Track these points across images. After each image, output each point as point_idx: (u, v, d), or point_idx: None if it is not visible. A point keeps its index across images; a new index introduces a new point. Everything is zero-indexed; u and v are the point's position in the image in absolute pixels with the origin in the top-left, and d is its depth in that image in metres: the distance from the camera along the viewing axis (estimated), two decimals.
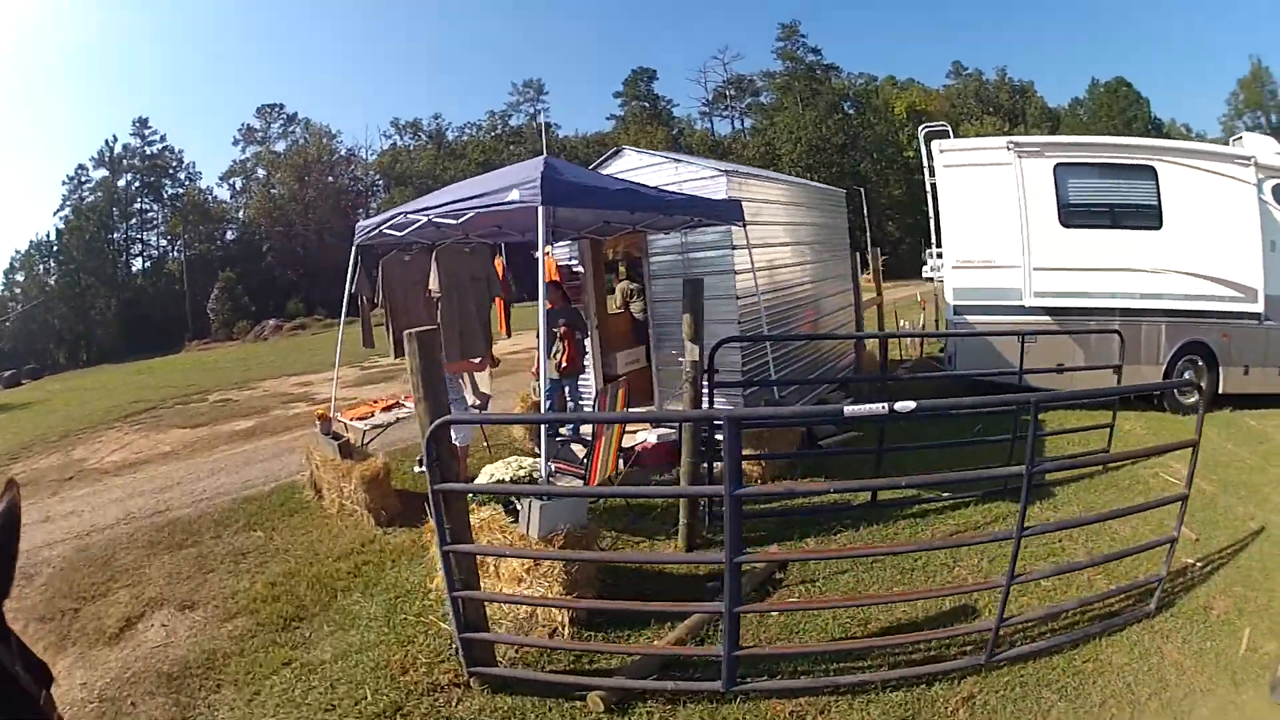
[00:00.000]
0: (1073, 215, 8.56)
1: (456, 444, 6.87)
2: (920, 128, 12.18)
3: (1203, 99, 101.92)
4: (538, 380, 9.16)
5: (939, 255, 11.26)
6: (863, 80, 69.91)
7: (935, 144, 10.02)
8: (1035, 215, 8.51)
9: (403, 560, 5.52)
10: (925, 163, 11.12)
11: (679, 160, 8.30)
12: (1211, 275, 8.19)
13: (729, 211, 7.21)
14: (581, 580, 4.43)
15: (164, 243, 58.99)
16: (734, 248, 7.88)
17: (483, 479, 5.24)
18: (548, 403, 8.28)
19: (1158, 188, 8.33)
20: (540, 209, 4.85)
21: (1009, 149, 8.76)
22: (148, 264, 58.46)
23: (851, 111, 66.03)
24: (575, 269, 9.00)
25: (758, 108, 70.57)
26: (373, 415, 7.46)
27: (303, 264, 56.53)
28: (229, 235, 60.05)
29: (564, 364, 8.10)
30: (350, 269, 7.05)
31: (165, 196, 58.67)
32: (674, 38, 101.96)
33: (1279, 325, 8.28)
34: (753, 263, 7.81)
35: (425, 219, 5.89)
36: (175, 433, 11.90)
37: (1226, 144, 10.28)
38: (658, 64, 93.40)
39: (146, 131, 58.55)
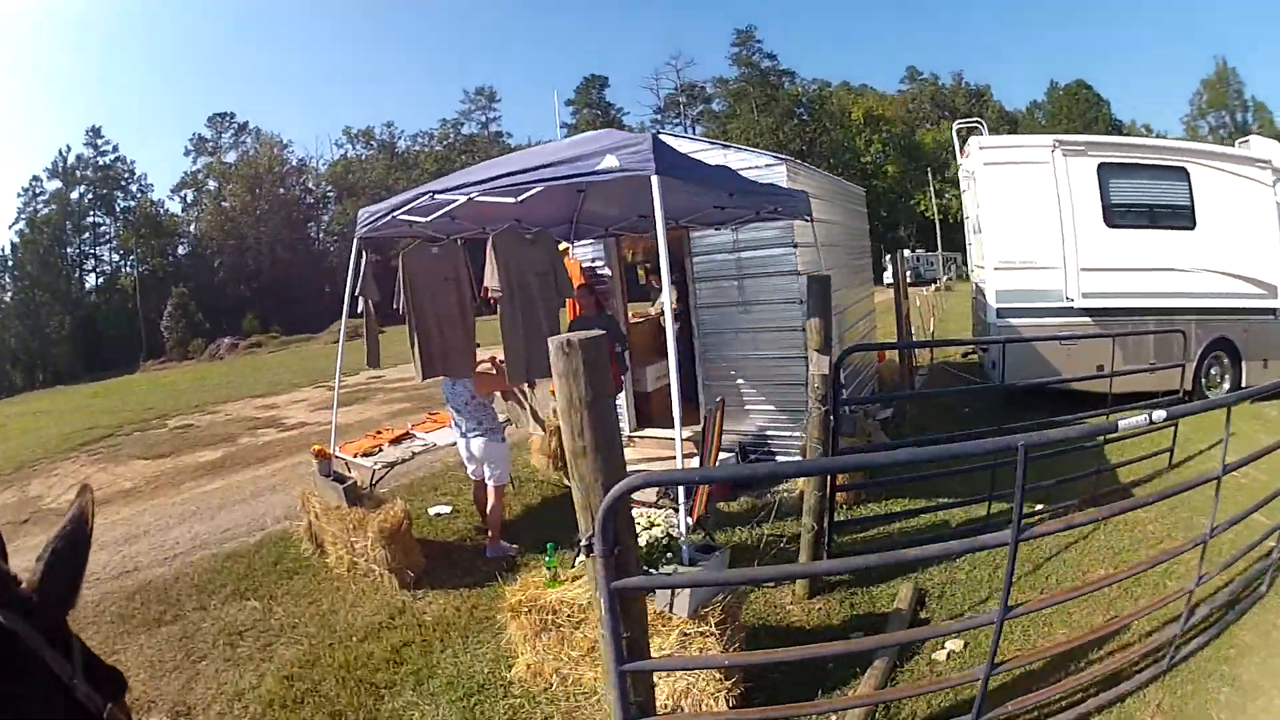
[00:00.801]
0: (1116, 215, 8.36)
1: (491, 484, 5.72)
2: (954, 124, 11.39)
3: (1162, 99, 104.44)
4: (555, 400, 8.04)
5: (976, 259, 10.48)
6: (817, 86, 69.65)
7: (973, 140, 9.48)
8: (1081, 215, 8.28)
9: (453, 638, 4.31)
10: (959, 160, 10.51)
11: (728, 146, 7.22)
12: (1238, 274, 8.31)
13: (799, 203, 6.14)
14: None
15: (116, 258, 56.05)
16: (795, 245, 6.85)
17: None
18: None
19: (1190, 189, 8.38)
20: (655, 180, 3.71)
21: (1054, 147, 8.38)
22: (101, 280, 55.53)
23: (807, 117, 65.86)
24: (600, 270, 7.84)
25: (710, 115, 69.90)
26: (379, 450, 6.17)
27: (256, 278, 54.01)
28: (180, 250, 57.16)
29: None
30: (351, 267, 5.79)
31: (117, 210, 55.76)
32: (627, 44, 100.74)
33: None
34: (821, 260, 6.77)
35: (465, 197, 4.72)
36: (136, 465, 10.37)
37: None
38: (610, 71, 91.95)
39: (100, 141, 55.79)
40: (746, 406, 7.27)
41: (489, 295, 4.99)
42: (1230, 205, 8.34)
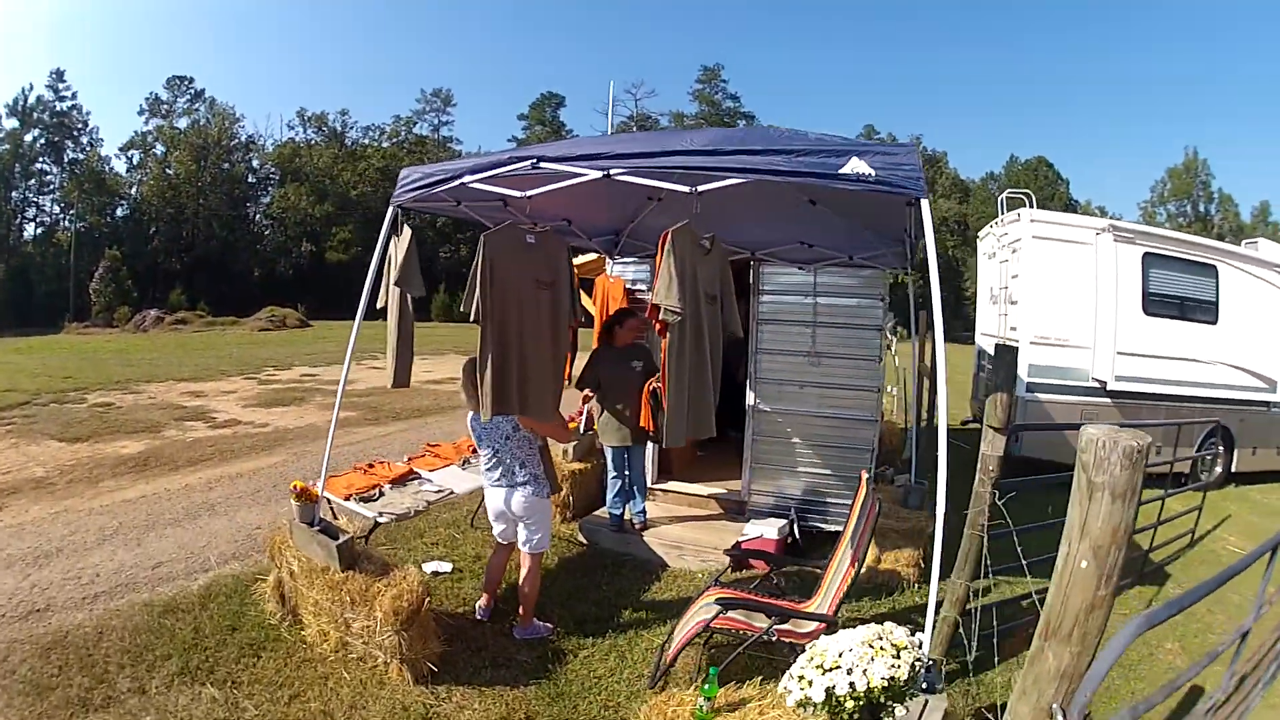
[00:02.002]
0: (1152, 304, 8.39)
1: (527, 551, 4.28)
2: (1003, 193, 10.78)
3: (1120, 182, 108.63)
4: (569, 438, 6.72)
5: (990, 328, 10.25)
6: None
7: (1025, 212, 9.07)
8: (1123, 300, 8.22)
9: None
10: (993, 227, 10.15)
11: None
12: (1247, 368, 8.69)
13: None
14: None
15: (57, 210, 51.01)
16: (882, 299, 5.90)
17: (834, 679, 2.66)
18: (615, 482, 5.88)
19: (1218, 286, 8.65)
20: (925, 206, 2.88)
21: (1107, 230, 8.29)
22: (40, 230, 50.38)
23: None
24: (641, 295, 6.63)
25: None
26: (378, 493, 4.74)
27: (189, 252, 49.91)
28: (120, 211, 52.15)
29: (640, 423, 5.74)
30: (385, 244, 4.26)
31: (65, 160, 50.67)
32: (592, 66, 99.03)
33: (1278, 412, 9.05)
34: (914, 316, 5.79)
35: (599, 173, 3.45)
36: (50, 446, 8.43)
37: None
38: (569, 91, 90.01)
39: (61, 85, 50.68)
40: (799, 467, 6.18)
41: (656, 318, 3.63)
42: (1247, 303, 8.73)
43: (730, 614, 3.72)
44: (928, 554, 5.55)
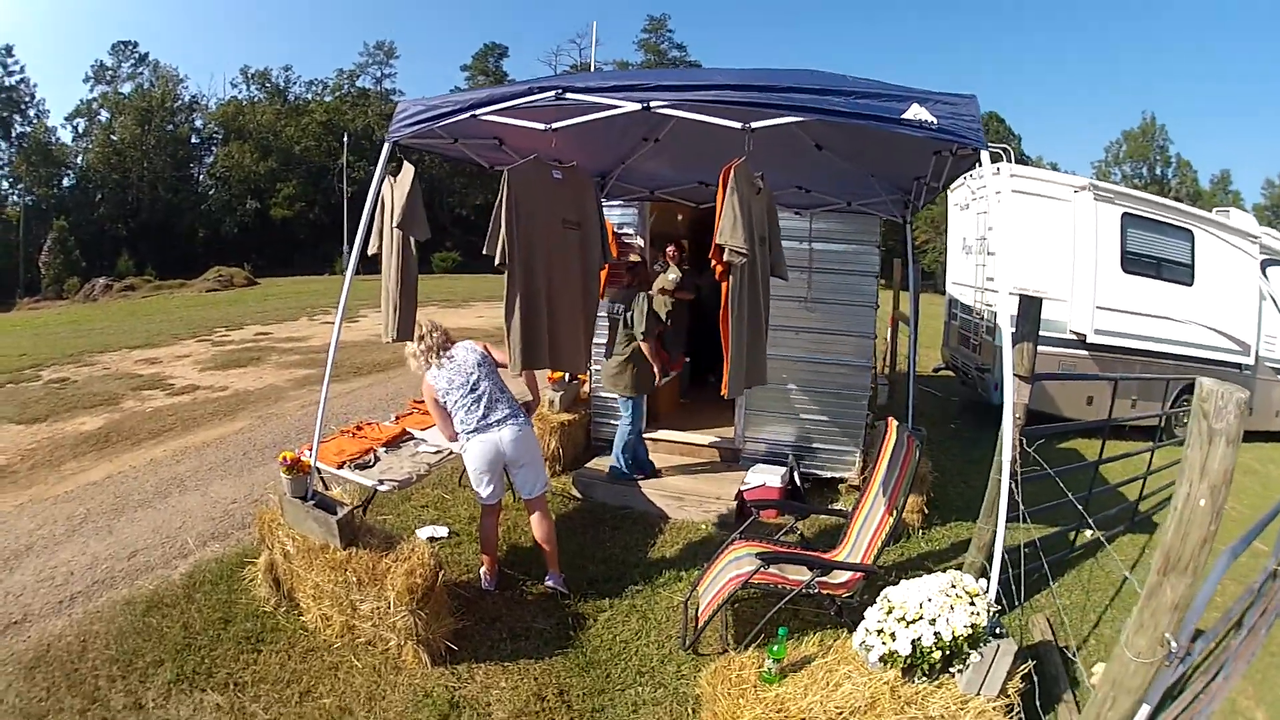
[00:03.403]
0: (1130, 262, 8.32)
1: (537, 495, 3.89)
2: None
3: (1073, 140, 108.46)
4: (555, 388, 6.35)
5: (961, 277, 10.08)
6: None
7: (1003, 166, 8.58)
8: (1103, 257, 8.17)
9: None
10: (979, 181, 9.74)
11: None
12: (1220, 329, 8.69)
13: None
14: None
15: (5, 185, 47.46)
16: (879, 246, 5.64)
17: (919, 630, 2.53)
18: (629, 434, 5.55)
19: (1193, 250, 8.64)
20: (986, 157, 2.84)
21: (1088, 190, 8.22)
22: None
23: None
24: (628, 240, 6.18)
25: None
26: (373, 457, 4.28)
27: (135, 216, 46.97)
28: (66, 182, 48.74)
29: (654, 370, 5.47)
30: (381, 183, 3.77)
31: (13, 135, 47.01)
32: (537, 15, 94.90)
33: (1251, 376, 8.99)
34: (910, 260, 5.50)
35: (637, 105, 3.06)
36: (9, 431, 7.60)
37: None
38: (513, 42, 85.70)
39: (10, 61, 46.94)
40: (794, 413, 5.92)
41: (720, 260, 3.13)
42: (1221, 268, 8.74)
43: (770, 569, 3.47)
44: (931, 500, 5.43)
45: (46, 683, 3.24)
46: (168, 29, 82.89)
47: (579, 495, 5.61)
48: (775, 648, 2.66)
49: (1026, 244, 8.23)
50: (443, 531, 4.85)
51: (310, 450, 3.94)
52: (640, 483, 5.51)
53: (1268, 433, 9.21)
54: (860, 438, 5.84)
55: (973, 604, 2.53)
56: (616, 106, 3.06)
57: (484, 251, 3.48)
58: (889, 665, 2.55)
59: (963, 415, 9.42)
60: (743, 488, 5.41)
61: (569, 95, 3.06)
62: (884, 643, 2.52)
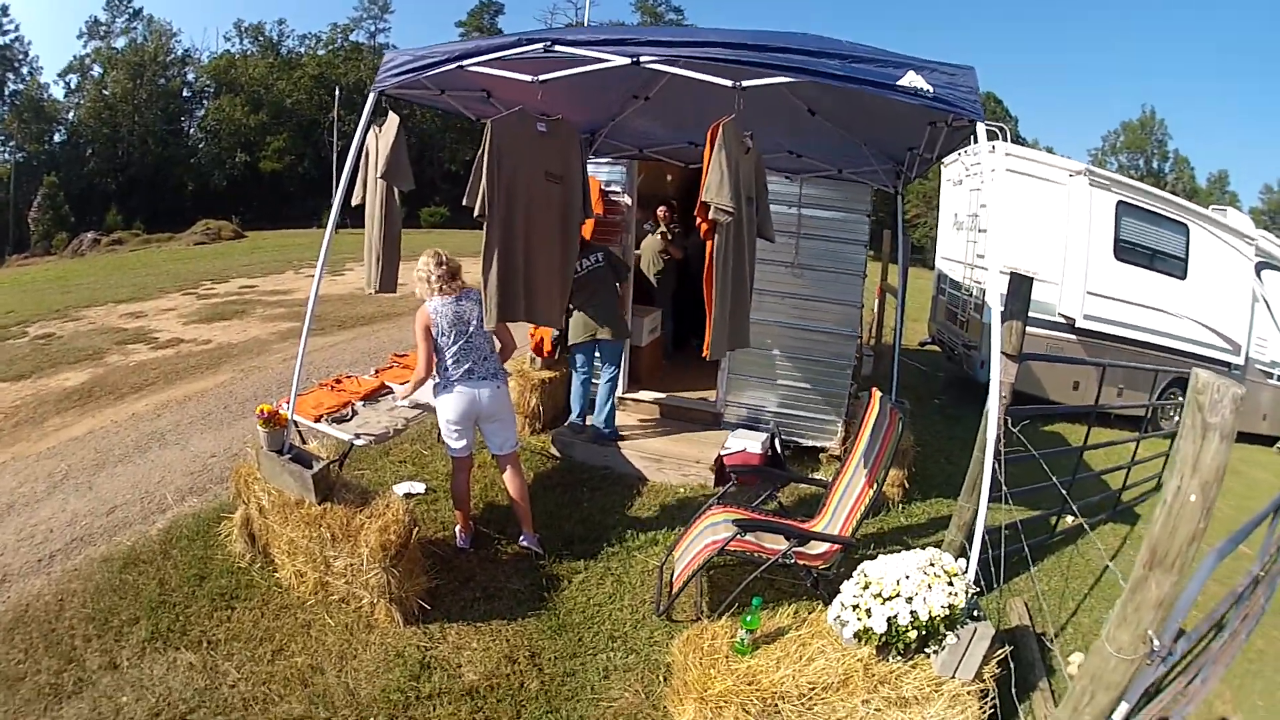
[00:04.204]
0: (1123, 250, 8.21)
1: (507, 452, 3.84)
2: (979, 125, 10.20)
3: (1071, 127, 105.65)
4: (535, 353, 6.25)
5: (951, 252, 9.98)
6: None
7: (999, 144, 8.62)
8: (1095, 243, 8.05)
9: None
10: (961, 155, 9.54)
11: None
12: (1212, 326, 8.61)
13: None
14: None
15: None
16: (869, 215, 5.50)
17: (895, 607, 2.46)
18: (580, 383, 5.46)
19: (1188, 244, 8.53)
20: (982, 130, 2.71)
21: (1084, 175, 8.06)
22: None
23: None
24: (615, 197, 6.01)
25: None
26: (350, 412, 4.18)
27: (124, 170, 45.81)
28: (57, 138, 47.24)
29: (616, 318, 5.35)
30: (365, 133, 3.61)
31: (6, 93, 45.61)
32: None
33: (1240, 377, 8.88)
34: (900, 230, 5.38)
35: (627, 60, 2.91)
36: None
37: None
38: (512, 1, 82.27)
39: (4, 20, 45.37)
40: (777, 380, 5.85)
41: (705, 217, 3.02)
42: (1215, 266, 8.63)
43: (747, 536, 3.41)
44: (912, 475, 5.38)
45: (25, 644, 3.18)
46: None
47: (558, 454, 5.53)
48: (749, 618, 2.59)
49: (1019, 224, 8.14)
50: (420, 488, 4.79)
51: (288, 403, 3.85)
52: (620, 444, 5.44)
53: (1253, 435, 9.20)
54: (843, 407, 5.79)
55: (951, 584, 2.46)
56: (605, 60, 2.92)
57: (464, 202, 3.38)
58: (863, 642, 2.49)
59: (947, 391, 9.39)
60: (723, 453, 5.36)
61: (558, 48, 2.92)
62: (859, 619, 2.46)
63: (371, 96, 3.44)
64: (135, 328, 10.74)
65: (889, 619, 2.40)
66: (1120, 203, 8.14)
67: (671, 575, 3.63)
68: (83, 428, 6.10)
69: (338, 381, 4.61)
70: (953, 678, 2.42)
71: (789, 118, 4.51)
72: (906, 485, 5.26)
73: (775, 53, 2.71)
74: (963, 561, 2.59)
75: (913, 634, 2.39)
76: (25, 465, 5.23)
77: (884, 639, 2.44)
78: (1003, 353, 3.25)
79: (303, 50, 56.49)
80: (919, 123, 3.86)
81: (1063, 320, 8.07)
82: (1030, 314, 7.92)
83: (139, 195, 43.85)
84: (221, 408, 6.57)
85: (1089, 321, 8.05)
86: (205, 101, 51.74)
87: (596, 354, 5.34)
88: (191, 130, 51.35)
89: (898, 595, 2.42)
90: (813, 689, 2.37)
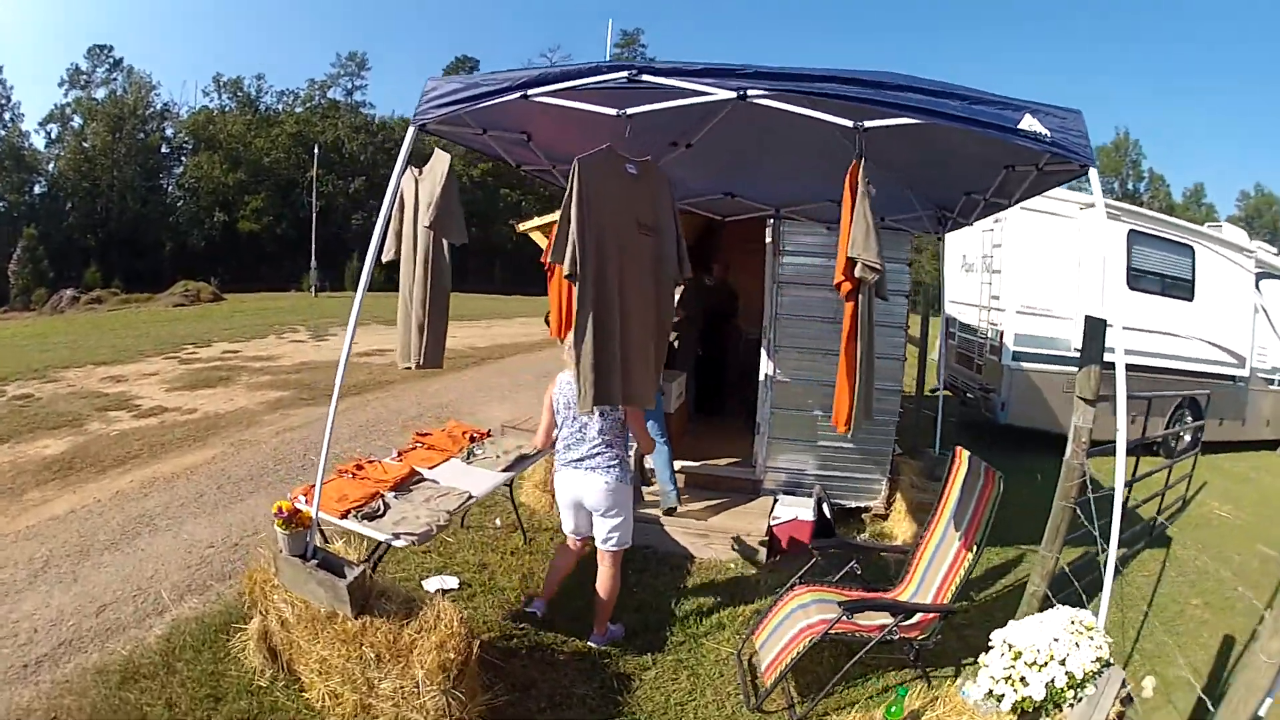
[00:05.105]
0: (1135, 279, 8.19)
1: (610, 549, 3.40)
2: None
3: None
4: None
5: (959, 295, 9.69)
6: None
7: None
8: (1110, 274, 7.87)
9: None
10: None
11: None
12: (1219, 344, 8.64)
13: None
14: None
15: None
16: (909, 264, 5.26)
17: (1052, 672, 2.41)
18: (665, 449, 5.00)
19: (1194, 266, 8.53)
20: (1094, 175, 2.67)
21: (1095, 207, 7.72)
22: None
23: None
24: None
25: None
26: (378, 503, 3.60)
27: (104, 226, 44.68)
28: (37, 189, 46.18)
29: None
30: (397, 174, 3.10)
31: None
32: (509, 30, 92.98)
33: (1244, 388, 9.06)
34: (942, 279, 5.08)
35: (731, 94, 2.63)
36: None
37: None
38: (485, 55, 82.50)
39: None
40: (818, 441, 5.45)
41: (850, 275, 2.63)
42: (1220, 284, 8.66)
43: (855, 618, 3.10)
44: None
45: None
46: (144, 33, 79.06)
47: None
48: (893, 708, 2.47)
49: (1033, 261, 7.97)
50: (452, 582, 4.21)
51: (306, 496, 3.33)
52: (661, 519, 4.95)
53: (1257, 441, 9.30)
54: (887, 465, 5.41)
55: (1092, 639, 2.42)
56: (705, 94, 2.60)
57: (545, 260, 2.92)
58: (1018, 712, 2.41)
59: (961, 436, 9.10)
60: (773, 523, 4.91)
61: (645, 77, 2.56)
62: (1014, 689, 2.38)
63: (410, 131, 3.02)
64: (116, 393, 10.02)
65: (1047, 684, 2.35)
66: (1131, 231, 8.10)
67: (749, 662, 3.34)
68: (64, 505, 5.45)
69: (359, 468, 4.00)
70: None
71: (826, 162, 4.22)
72: None
73: (895, 91, 2.51)
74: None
75: (1070, 694, 2.35)
76: (3, 546, 4.59)
77: (1036, 705, 2.38)
78: (1080, 398, 3.23)
79: (280, 108, 56.27)
80: (989, 166, 3.58)
81: (1077, 354, 7.90)
82: (1048, 350, 7.90)
83: (118, 252, 42.79)
84: (215, 488, 5.91)
85: (1107, 354, 7.83)
86: (183, 158, 51.12)
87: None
88: (170, 187, 50.59)
89: (1052, 659, 2.39)
90: None
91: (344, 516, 3.36)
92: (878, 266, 2.57)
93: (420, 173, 3.25)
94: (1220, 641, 4.21)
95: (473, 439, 4.67)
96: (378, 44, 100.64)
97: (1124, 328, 7.58)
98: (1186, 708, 3.20)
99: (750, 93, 2.56)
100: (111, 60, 50.06)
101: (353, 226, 47.83)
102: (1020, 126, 2.50)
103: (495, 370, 13.12)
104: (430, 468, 4.16)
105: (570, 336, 3.04)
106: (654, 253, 3.17)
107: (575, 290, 2.92)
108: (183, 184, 49.84)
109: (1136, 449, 6.90)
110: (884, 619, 3.12)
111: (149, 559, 4.49)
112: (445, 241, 3.25)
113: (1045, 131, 2.51)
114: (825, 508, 5.14)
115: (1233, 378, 8.82)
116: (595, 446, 3.40)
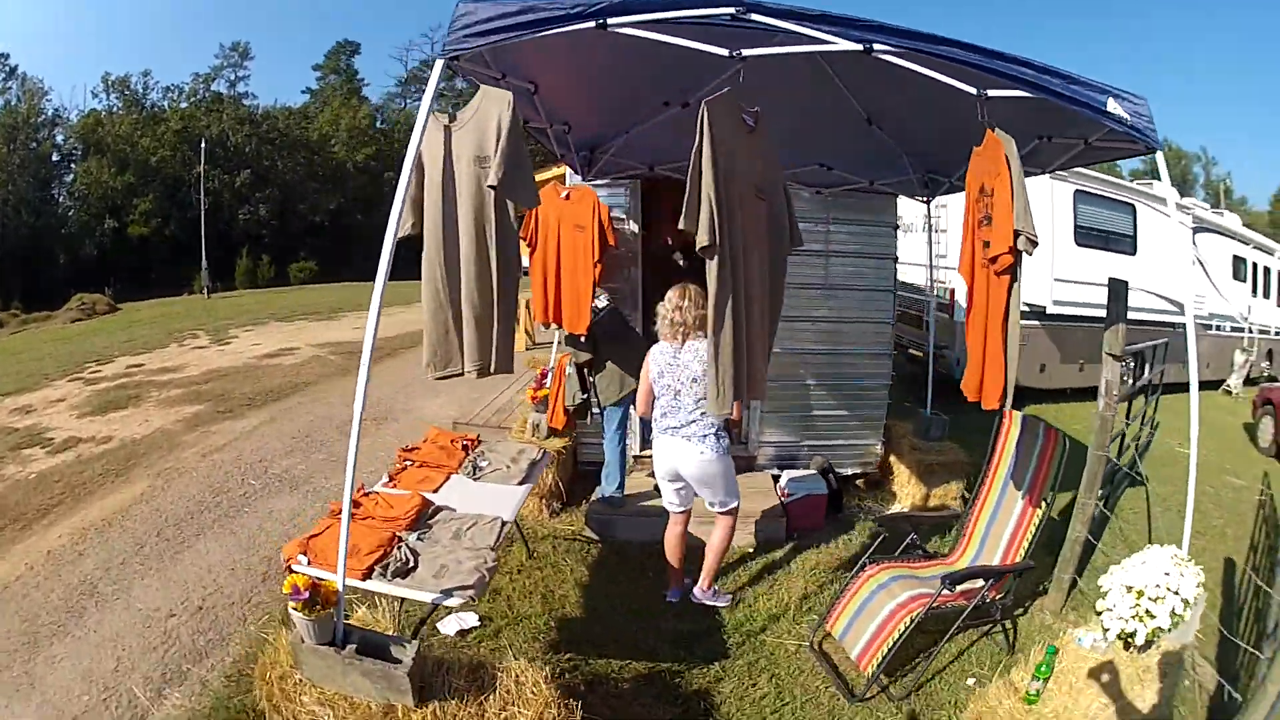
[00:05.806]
0: (1082, 236, 8.32)
1: (722, 510, 3.43)
2: None
3: None
4: (537, 409, 5.13)
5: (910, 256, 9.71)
6: None
7: None
8: (1058, 232, 8.06)
9: None
10: None
11: None
12: (1161, 294, 8.71)
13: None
14: None
15: None
16: (896, 228, 4.97)
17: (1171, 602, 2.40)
18: (617, 449, 4.45)
19: (1135, 222, 8.71)
20: (1160, 158, 2.69)
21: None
22: None
23: None
24: (619, 225, 4.83)
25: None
26: (403, 552, 2.81)
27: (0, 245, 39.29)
28: None
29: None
30: (420, 124, 2.12)
31: None
32: (393, 10, 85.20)
33: (1183, 332, 9.20)
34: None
35: (858, 45, 2.13)
36: None
37: None
38: (366, 39, 74.53)
39: None
40: (812, 411, 5.09)
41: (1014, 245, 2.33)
42: (1160, 239, 8.80)
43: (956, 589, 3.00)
44: (970, 483, 4.79)
45: None
46: (38, 37, 67.06)
47: (594, 536, 4.39)
48: (1043, 667, 2.47)
49: None
50: (472, 620, 3.47)
51: (308, 555, 2.63)
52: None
53: (1201, 382, 9.74)
54: (881, 429, 5.14)
55: (1191, 566, 2.45)
56: (826, 42, 2.05)
57: (680, 225, 2.22)
58: (1141, 646, 2.45)
59: (911, 391, 9.11)
60: (785, 500, 4.52)
61: (754, 16, 1.99)
62: (1144, 624, 2.39)
63: (438, 65, 2.18)
64: (26, 426, 8.45)
65: (1170, 613, 2.38)
66: (1077, 191, 8.18)
67: (821, 649, 3.21)
68: None
69: (357, 506, 3.04)
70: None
71: (834, 126, 3.76)
72: (967, 495, 4.66)
73: (1010, 63, 2.27)
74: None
75: (1188, 614, 2.40)
76: None
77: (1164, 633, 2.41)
78: (1108, 354, 3.38)
79: (166, 104, 50.18)
80: (1021, 135, 3.21)
81: (1027, 308, 7.96)
82: None
83: (14, 270, 37.42)
84: (154, 534, 4.83)
85: (1057, 307, 8.07)
86: (73, 164, 45.13)
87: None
88: (61, 196, 44.70)
89: (1170, 591, 2.40)
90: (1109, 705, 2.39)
91: (367, 576, 2.63)
92: (1036, 239, 2.30)
93: (454, 119, 2.37)
94: (1222, 565, 4.33)
95: (465, 449, 3.92)
96: (259, 35, 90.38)
97: (1071, 282, 7.93)
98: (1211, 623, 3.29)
99: (876, 47, 2.06)
100: (8, 68, 43.22)
101: (240, 222, 43.95)
102: (1108, 109, 2.44)
103: (414, 360, 12.01)
104: (434, 490, 3.44)
105: (710, 324, 2.37)
106: (769, 224, 2.55)
107: (712, 267, 2.26)
108: (73, 192, 44.14)
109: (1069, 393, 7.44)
110: (975, 585, 3.03)
111: (105, 643, 3.53)
112: (511, 206, 2.39)
113: (1126, 116, 2.47)
114: (832, 478, 4.83)
115: (1172, 325, 8.95)
116: (691, 414, 3.13)
